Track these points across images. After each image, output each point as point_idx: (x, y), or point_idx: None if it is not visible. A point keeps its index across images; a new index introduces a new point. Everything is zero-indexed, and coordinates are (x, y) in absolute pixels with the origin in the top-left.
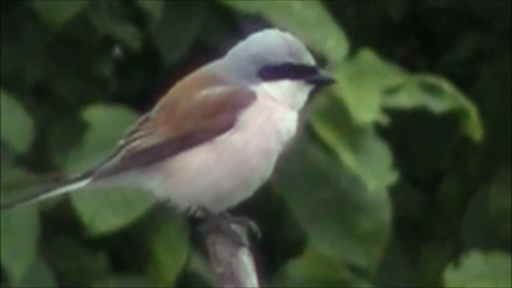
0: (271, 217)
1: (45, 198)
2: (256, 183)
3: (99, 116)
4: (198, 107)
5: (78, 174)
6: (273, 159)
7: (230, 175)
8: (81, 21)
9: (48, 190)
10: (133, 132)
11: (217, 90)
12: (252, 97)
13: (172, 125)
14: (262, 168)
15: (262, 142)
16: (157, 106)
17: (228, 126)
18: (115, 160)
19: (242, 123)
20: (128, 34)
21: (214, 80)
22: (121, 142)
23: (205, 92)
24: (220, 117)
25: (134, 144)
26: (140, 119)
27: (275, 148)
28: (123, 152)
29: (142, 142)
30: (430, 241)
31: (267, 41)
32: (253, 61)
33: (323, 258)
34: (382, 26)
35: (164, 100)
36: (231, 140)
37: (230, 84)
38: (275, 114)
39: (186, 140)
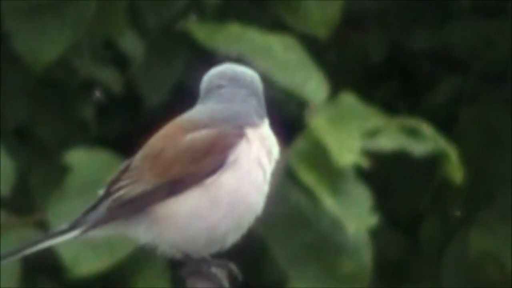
0: (252, 259)
1: (32, 251)
2: (251, 220)
3: (80, 159)
4: (185, 151)
5: (64, 226)
6: (267, 188)
7: (224, 217)
8: (63, 64)
9: (35, 243)
10: (114, 182)
11: (203, 133)
12: (239, 135)
13: (158, 171)
14: (257, 203)
15: (257, 176)
16: (139, 155)
17: (217, 167)
18: (101, 210)
19: (232, 162)
20: (109, 77)
21: (197, 124)
22: (101, 191)
23: (191, 136)
24: (208, 159)
25: (120, 193)
26: (120, 168)
27: (269, 176)
28: (109, 202)
29: (129, 190)
30: (410, 283)
31: (255, 77)
32: (259, 99)
33: None
34: (363, 69)
35: (146, 148)
36: (222, 181)
37: (214, 126)
38: (266, 141)
39: (175, 185)
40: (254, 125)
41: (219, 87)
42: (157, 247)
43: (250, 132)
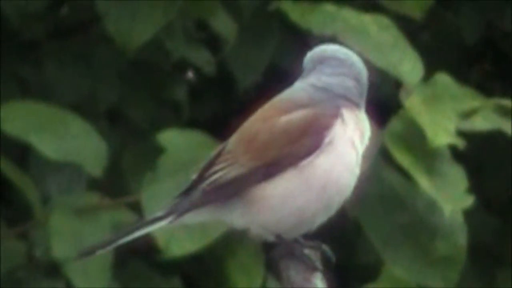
0: (346, 241)
1: (128, 240)
2: (340, 202)
3: (173, 139)
4: (280, 133)
5: (159, 213)
6: (358, 171)
7: (315, 199)
8: (155, 45)
9: (131, 231)
10: (208, 166)
11: (298, 114)
12: (335, 116)
13: (254, 154)
14: (349, 186)
15: (350, 158)
16: (233, 138)
17: (313, 149)
18: (196, 194)
19: (328, 144)
20: (202, 58)
21: (295, 103)
22: (194, 176)
23: (286, 117)
24: (304, 141)
25: (215, 176)
26: (214, 152)
27: (360, 158)
28: (204, 186)
29: (224, 174)
30: (504, 266)
31: (358, 60)
32: (358, 81)
33: (399, 282)
34: (457, 51)
35: (240, 131)
36: (317, 162)
37: (311, 106)
38: (361, 123)
39: (270, 168)
40: (350, 106)
41: (321, 64)
42: (249, 230)
43: (346, 113)
